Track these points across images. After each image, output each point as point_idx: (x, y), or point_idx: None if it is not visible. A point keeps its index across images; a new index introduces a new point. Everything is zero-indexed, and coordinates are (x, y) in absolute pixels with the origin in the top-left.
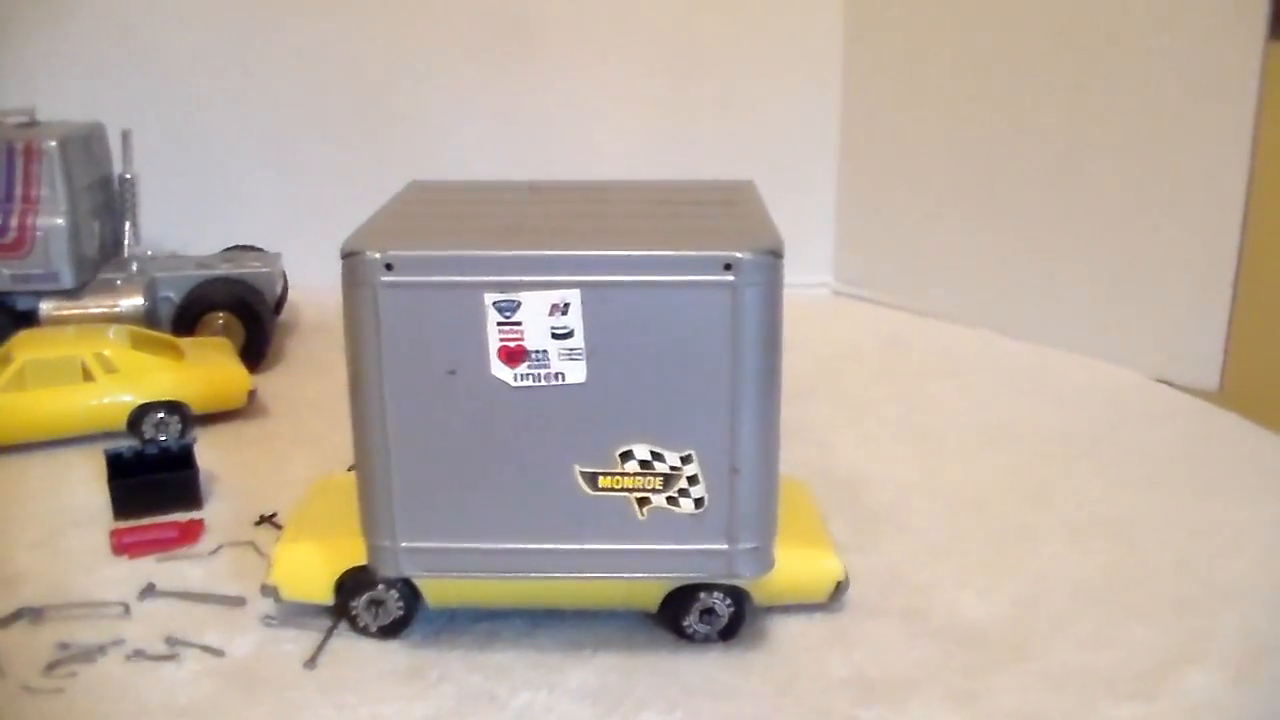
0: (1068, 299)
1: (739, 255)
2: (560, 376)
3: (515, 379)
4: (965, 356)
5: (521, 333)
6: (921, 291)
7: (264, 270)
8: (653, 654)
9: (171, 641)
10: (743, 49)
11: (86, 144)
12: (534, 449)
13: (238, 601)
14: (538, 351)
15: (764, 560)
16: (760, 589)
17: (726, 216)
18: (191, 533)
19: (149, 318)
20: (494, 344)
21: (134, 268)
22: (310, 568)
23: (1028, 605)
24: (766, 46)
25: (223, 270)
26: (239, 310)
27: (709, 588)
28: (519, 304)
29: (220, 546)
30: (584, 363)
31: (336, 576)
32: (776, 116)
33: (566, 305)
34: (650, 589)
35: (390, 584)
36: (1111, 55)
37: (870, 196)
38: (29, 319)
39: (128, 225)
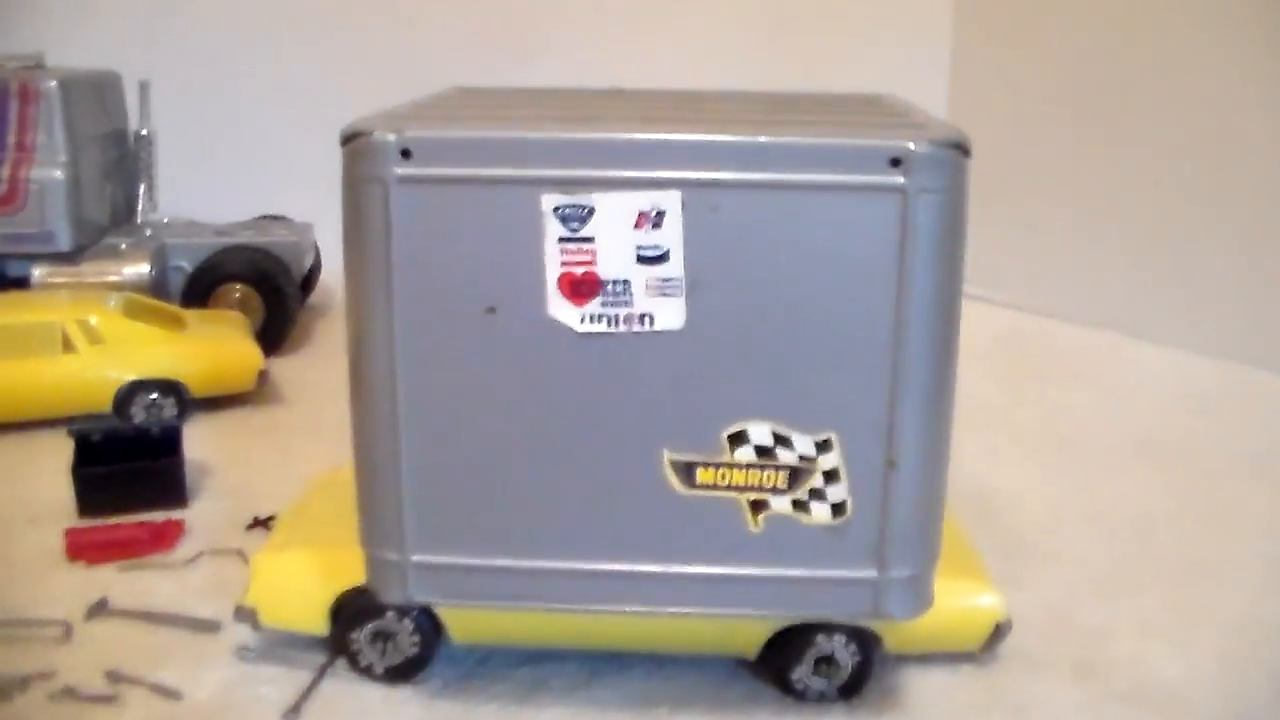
0: (1214, 299)
1: (911, 147)
2: (648, 320)
3: (582, 321)
4: (1094, 360)
5: (593, 254)
6: (1037, 289)
7: (290, 240)
8: (749, 716)
9: (114, 677)
10: (847, 28)
11: (97, 92)
12: (605, 425)
13: (210, 626)
14: (616, 282)
15: (922, 594)
16: (894, 632)
17: (882, 114)
18: (167, 536)
19: (156, 289)
20: (553, 270)
21: (146, 234)
22: (299, 586)
23: (1237, 662)
24: (871, 26)
25: (243, 238)
26: (258, 282)
27: (827, 627)
28: (590, 211)
29: (200, 554)
30: (682, 300)
31: (333, 599)
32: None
33: (660, 214)
34: (749, 628)
35: (402, 611)
36: (1262, 30)
37: (978, 184)
38: (20, 286)
39: (142, 188)
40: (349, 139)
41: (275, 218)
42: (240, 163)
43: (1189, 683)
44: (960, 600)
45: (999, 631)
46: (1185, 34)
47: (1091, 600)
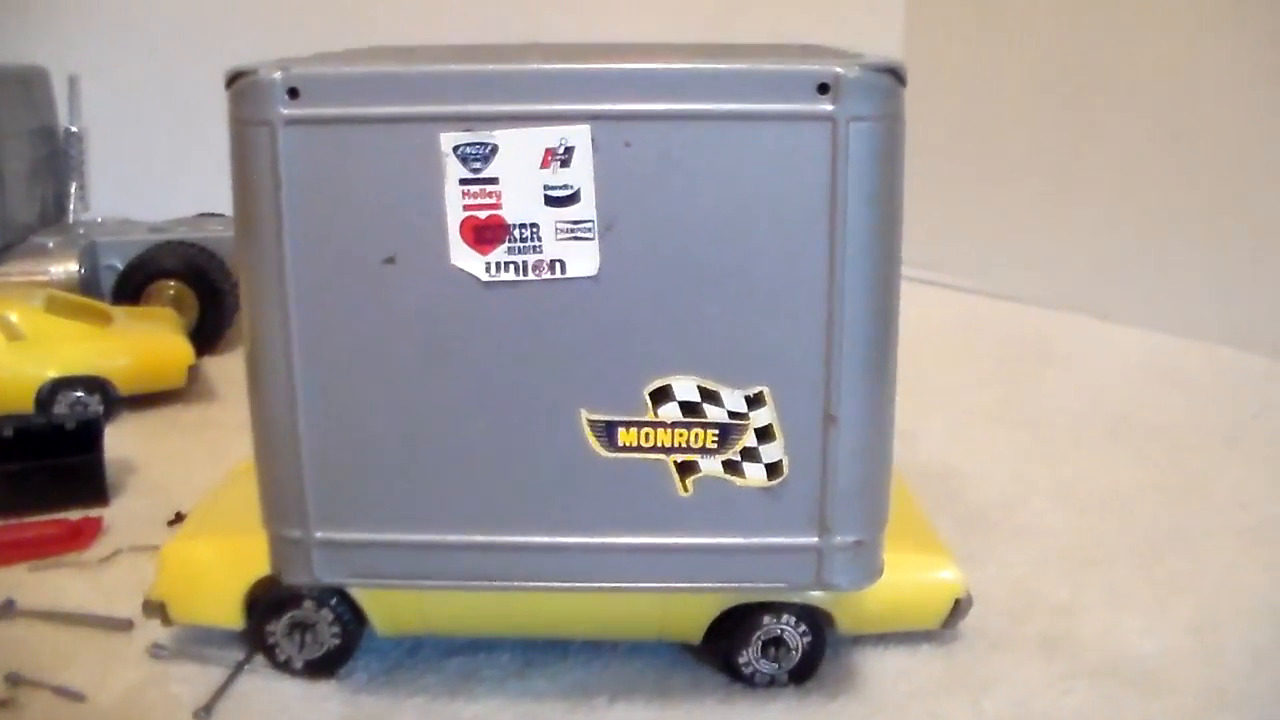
0: (1182, 279)
1: (840, 71)
2: (559, 266)
3: (488, 270)
4: (1060, 341)
5: (497, 196)
6: (999, 272)
7: (226, 235)
8: (695, 704)
9: (14, 680)
10: (798, 9)
11: (23, 88)
12: (516, 383)
13: (122, 625)
14: (523, 226)
15: (870, 563)
16: (847, 611)
17: (813, 50)
18: (83, 534)
19: (87, 287)
20: (455, 215)
21: (77, 232)
22: (209, 577)
23: (1213, 633)
24: (823, 16)
25: (176, 234)
26: (193, 279)
27: (775, 608)
28: (493, 149)
29: (117, 552)
30: (596, 244)
31: (246, 589)
32: None
33: (569, 151)
34: (692, 609)
35: (321, 600)
36: (1228, 6)
37: (935, 171)
38: None
39: (73, 186)
40: (233, 79)
41: (215, 215)
42: (179, 161)
43: (1163, 656)
44: (917, 575)
45: (959, 608)
46: (1149, 13)
47: (1058, 575)
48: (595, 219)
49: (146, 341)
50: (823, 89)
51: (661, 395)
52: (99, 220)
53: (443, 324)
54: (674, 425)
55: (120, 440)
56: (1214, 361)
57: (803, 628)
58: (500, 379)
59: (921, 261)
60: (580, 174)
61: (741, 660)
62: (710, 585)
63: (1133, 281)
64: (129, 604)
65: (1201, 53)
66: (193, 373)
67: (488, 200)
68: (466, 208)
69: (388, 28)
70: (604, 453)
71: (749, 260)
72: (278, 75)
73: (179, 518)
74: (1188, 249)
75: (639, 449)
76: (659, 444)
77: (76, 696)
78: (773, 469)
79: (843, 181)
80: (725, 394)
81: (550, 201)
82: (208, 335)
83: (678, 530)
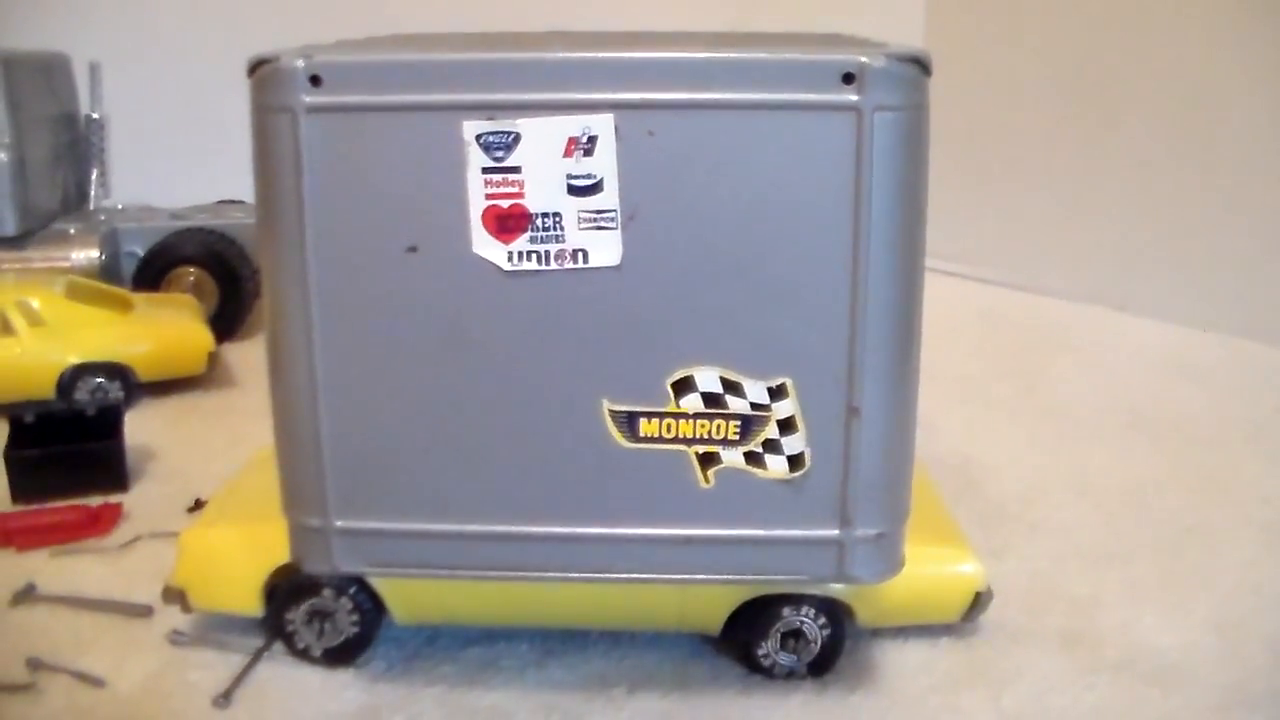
0: (1202, 272)
1: (865, 61)
2: (581, 256)
3: (510, 259)
4: (1080, 334)
5: (520, 185)
6: (1020, 264)
7: (246, 222)
8: (714, 695)
9: (35, 664)
10: (821, 9)
11: (44, 74)
12: (538, 373)
13: (141, 611)
14: (546, 215)
15: (891, 555)
16: (867, 603)
17: (838, 39)
18: (102, 520)
19: (108, 273)
20: (477, 203)
21: (98, 219)
22: (228, 564)
23: (1233, 628)
24: (845, 13)
25: (196, 221)
26: (213, 266)
27: (794, 599)
28: (516, 138)
29: (137, 538)
30: (618, 234)
31: (265, 577)
32: None
33: (592, 140)
34: (711, 601)
35: (340, 589)
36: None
37: (953, 162)
38: None
39: (95, 172)
40: (255, 67)
41: (235, 202)
42: (200, 147)
43: (1182, 651)
44: (937, 568)
45: (979, 601)
46: (1170, 6)
47: (1078, 569)
48: (618, 208)
49: (167, 328)
50: (848, 79)
51: (684, 386)
52: (120, 207)
53: (464, 313)
54: (696, 416)
55: (140, 426)
56: (1234, 354)
57: (822, 620)
58: (521, 368)
59: (941, 252)
60: (603, 163)
61: (760, 652)
62: (731, 577)
63: (1152, 273)
64: (149, 590)
65: (1215, 51)
66: (212, 359)
67: (510, 189)
68: (489, 196)
69: (409, 15)
70: (625, 443)
71: (772, 250)
72: (300, 63)
73: (199, 504)
74: (1208, 241)
75: (660, 440)
76: (680, 435)
77: (96, 682)
78: (795, 461)
79: (867, 172)
80: (748, 385)
81: (573, 190)
82: (228, 322)
83: (698, 522)
